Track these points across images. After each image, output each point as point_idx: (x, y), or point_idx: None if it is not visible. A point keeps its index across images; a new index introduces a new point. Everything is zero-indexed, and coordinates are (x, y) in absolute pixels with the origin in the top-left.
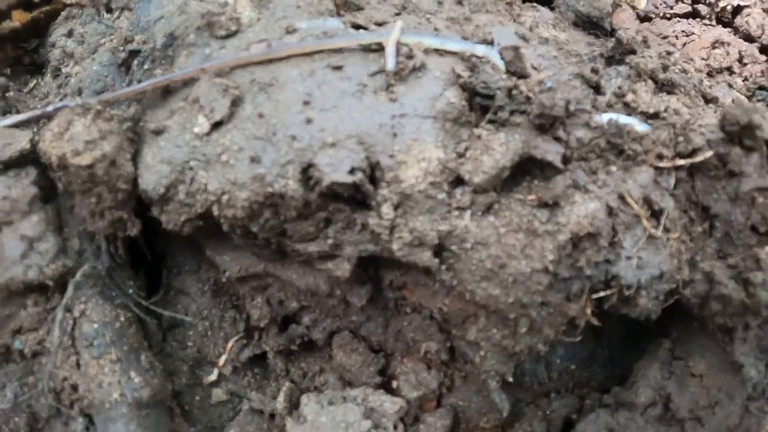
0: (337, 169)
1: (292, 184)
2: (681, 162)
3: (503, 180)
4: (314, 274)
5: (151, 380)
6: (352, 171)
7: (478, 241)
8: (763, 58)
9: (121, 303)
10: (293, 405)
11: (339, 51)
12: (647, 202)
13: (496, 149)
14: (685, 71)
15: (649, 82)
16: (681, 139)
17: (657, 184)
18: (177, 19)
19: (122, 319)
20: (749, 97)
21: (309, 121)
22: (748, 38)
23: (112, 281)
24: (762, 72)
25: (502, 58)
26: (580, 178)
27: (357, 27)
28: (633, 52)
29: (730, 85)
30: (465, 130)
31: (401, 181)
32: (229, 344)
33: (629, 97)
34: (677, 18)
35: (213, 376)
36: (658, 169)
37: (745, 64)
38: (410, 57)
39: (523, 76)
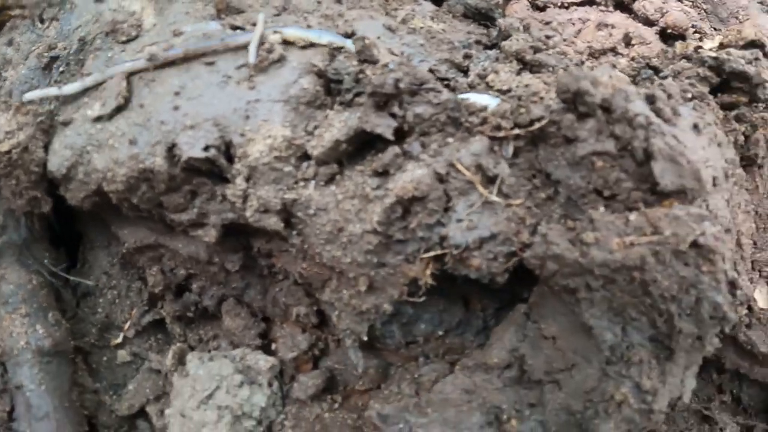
0: (193, 146)
1: (159, 160)
2: (517, 131)
3: (346, 153)
4: (195, 243)
5: (54, 333)
6: (206, 148)
7: (320, 207)
8: (652, 39)
9: (36, 270)
10: (181, 363)
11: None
12: (480, 169)
13: (335, 125)
14: (564, 53)
15: (514, 63)
16: (522, 110)
17: (493, 153)
18: (90, 27)
19: (34, 282)
20: (633, 77)
21: (176, 108)
22: (648, 22)
23: (29, 251)
24: (651, 52)
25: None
26: (414, 149)
27: (235, 28)
28: (509, 37)
29: (614, 65)
30: (320, 111)
31: (249, 155)
32: (134, 311)
33: (490, 77)
34: (574, 6)
35: (119, 339)
36: (496, 139)
37: (633, 45)
38: (270, 51)
39: (373, 62)
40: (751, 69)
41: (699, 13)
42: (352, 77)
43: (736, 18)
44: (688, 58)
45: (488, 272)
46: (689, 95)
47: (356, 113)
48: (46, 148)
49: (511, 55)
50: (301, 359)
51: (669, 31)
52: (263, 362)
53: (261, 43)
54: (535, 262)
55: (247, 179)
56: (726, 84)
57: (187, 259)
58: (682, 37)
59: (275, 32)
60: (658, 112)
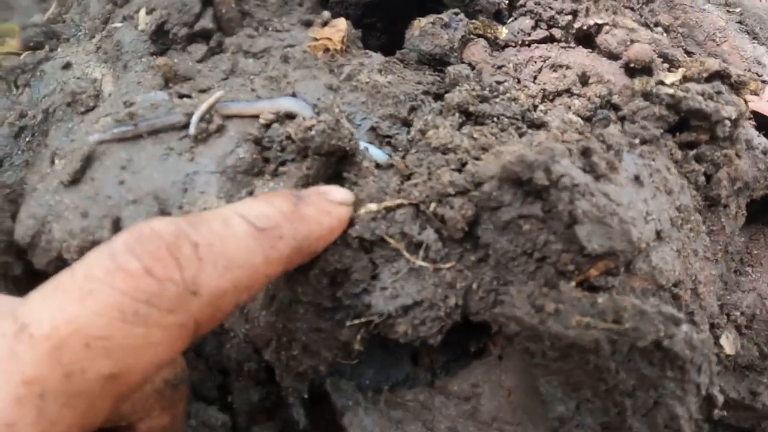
0: (135, 221)
1: (107, 233)
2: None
3: None
4: None
5: None
6: None
7: None
8: (616, 74)
9: None
10: None
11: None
12: (405, 236)
13: None
14: (515, 99)
15: (456, 115)
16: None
17: (419, 219)
18: (55, 97)
19: None
20: (589, 117)
21: (121, 182)
22: (612, 56)
23: None
24: (615, 88)
25: (287, 115)
26: None
27: (182, 96)
28: (457, 86)
29: (569, 107)
30: (258, 179)
31: None
32: None
33: (430, 132)
34: (535, 44)
35: None
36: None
37: (590, 84)
38: (209, 122)
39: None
40: (710, 106)
41: (674, 38)
42: (278, 146)
43: (713, 41)
44: (647, 95)
45: (417, 337)
46: (637, 140)
47: (281, 183)
48: (13, 216)
49: (453, 108)
50: (255, 411)
51: (632, 65)
52: (214, 419)
53: (204, 116)
54: (500, 321)
55: None
56: (685, 122)
57: None
58: (648, 69)
59: (215, 110)
60: (592, 167)
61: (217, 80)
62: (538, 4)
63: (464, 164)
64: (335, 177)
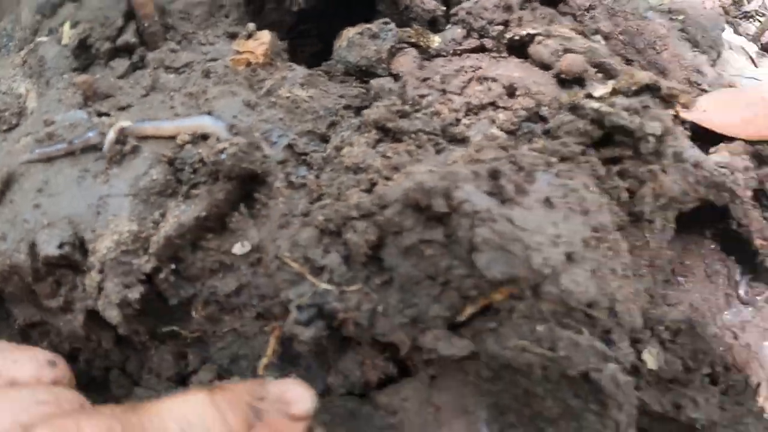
0: (49, 244)
1: (23, 257)
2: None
3: (181, 248)
4: (72, 323)
5: None
6: (60, 246)
7: None
8: (547, 85)
9: None
10: None
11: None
12: (308, 261)
13: (170, 221)
14: (437, 113)
15: (373, 132)
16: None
17: (322, 243)
18: None
19: None
20: (514, 131)
21: (37, 206)
22: (544, 66)
23: None
24: (544, 100)
25: (203, 135)
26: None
27: (101, 114)
28: (379, 99)
29: (494, 121)
30: (171, 200)
31: (98, 251)
32: None
33: (345, 150)
34: (467, 54)
35: None
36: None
37: (517, 96)
38: (124, 143)
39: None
40: (634, 122)
41: (614, 46)
42: (190, 167)
43: (654, 49)
44: (574, 108)
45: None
46: (555, 159)
47: (192, 205)
48: None
49: (370, 125)
50: None
51: (563, 76)
52: None
53: (118, 137)
54: (407, 342)
55: (100, 272)
56: (610, 136)
57: (69, 335)
58: (580, 80)
59: (129, 132)
60: (499, 190)
61: (137, 97)
62: (470, 13)
63: (374, 184)
64: (247, 197)
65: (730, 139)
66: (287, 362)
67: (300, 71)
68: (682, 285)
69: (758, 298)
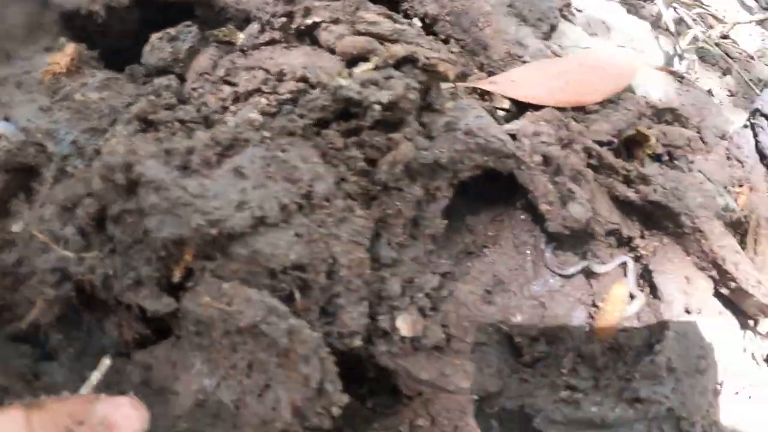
0: None
1: None
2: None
3: None
4: None
5: None
6: None
7: None
8: (308, 73)
9: None
10: None
11: None
12: (51, 232)
13: None
14: (204, 104)
15: (135, 124)
16: None
17: (62, 217)
18: None
19: None
20: (274, 114)
21: None
22: (332, 51)
23: None
24: (297, 88)
25: None
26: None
27: None
28: (158, 95)
29: (256, 106)
30: None
31: None
32: None
33: (113, 141)
34: (263, 47)
35: None
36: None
37: (284, 81)
38: None
39: None
40: (362, 93)
41: (442, 27)
42: None
43: (477, 26)
44: (324, 86)
45: None
46: (268, 134)
47: None
48: None
49: (133, 118)
50: None
51: (342, 59)
52: None
53: None
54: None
55: None
56: (347, 110)
57: None
58: (366, 61)
59: None
60: (186, 164)
61: None
62: (258, 9)
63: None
64: (25, 189)
65: (537, 107)
66: (72, 326)
67: (100, 76)
68: (486, 256)
69: (571, 268)
